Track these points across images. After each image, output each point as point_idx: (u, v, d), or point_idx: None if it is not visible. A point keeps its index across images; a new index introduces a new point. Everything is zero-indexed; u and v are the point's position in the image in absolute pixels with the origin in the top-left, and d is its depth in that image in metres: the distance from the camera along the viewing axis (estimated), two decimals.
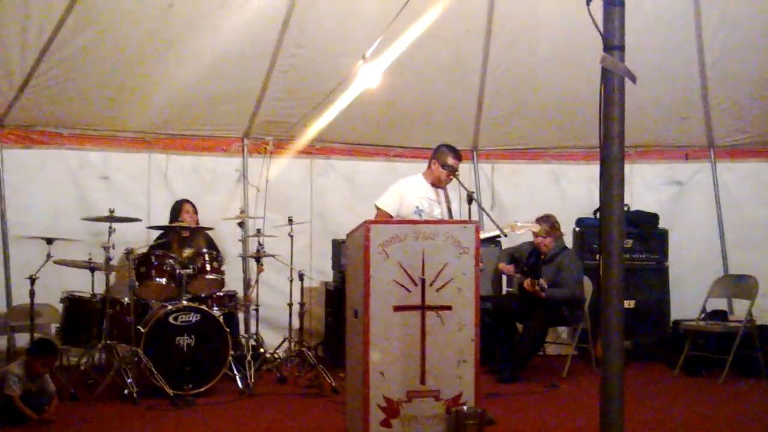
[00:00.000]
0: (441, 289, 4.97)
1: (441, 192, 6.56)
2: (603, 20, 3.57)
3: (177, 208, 7.78)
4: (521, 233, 6.89)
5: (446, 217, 6.38)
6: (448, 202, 6.49)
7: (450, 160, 6.48)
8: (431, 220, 6.20)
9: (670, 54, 7.94)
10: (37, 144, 7.80)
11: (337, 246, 7.93)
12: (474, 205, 6.14)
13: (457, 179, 6.34)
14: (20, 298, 7.14)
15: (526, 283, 7.29)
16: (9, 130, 7.65)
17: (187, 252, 6.97)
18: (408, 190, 6.53)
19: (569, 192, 9.02)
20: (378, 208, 6.49)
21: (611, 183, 3.64)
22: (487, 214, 6.67)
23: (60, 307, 6.95)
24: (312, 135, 8.30)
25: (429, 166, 6.61)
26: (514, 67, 8.20)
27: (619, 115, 3.58)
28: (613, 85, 3.54)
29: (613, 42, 3.52)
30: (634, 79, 3.52)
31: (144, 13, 7.01)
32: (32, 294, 6.54)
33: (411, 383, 4.89)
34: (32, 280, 6.53)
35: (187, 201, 7.84)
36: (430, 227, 5.09)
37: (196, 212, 7.82)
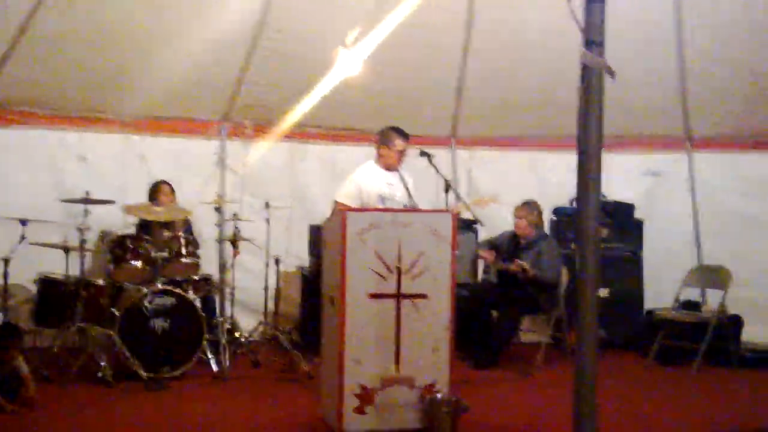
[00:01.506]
0: (417, 277, 5.01)
1: (396, 175, 6.56)
2: (583, 16, 3.56)
3: (154, 189, 7.74)
4: (486, 206, 6.88)
5: (407, 200, 6.38)
6: (404, 183, 6.49)
7: (398, 142, 6.50)
8: (410, 208, 6.21)
9: (649, 44, 7.95)
10: (13, 123, 7.68)
11: (315, 231, 7.91)
12: (451, 193, 6.14)
13: (434, 166, 6.29)
14: None
15: (513, 266, 7.30)
16: None
17: (166, 235, 6.96)
18: (365, 179, 6.53)
19: (547, 180, 9.01)
20: (338, 204, 6.46)
21: (588, 177, 3.67)
22: (464, 203, 6.68)
23: (33, 288, 6.90)
24: (291, 120, 8.26)
25: (378, 152, 6.62)
26: (494, 54, 8.18)
27: (598, 110, 3.59)
28: (592, 81, 3.55)
29: (593, 38, 3.53)
30: (613, 75, 3.53)
31: None
32: (5, 275, 6.50)
33: (385, 371, 4.92)
34: (5, 260, 6.48)
35: (165, 182, 7.80)
36: (407, 215, 5.14)
37: (173, 192, 7.79)
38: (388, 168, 6.57)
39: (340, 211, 5.43)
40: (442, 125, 8.95)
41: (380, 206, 6.33)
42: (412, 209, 6.14)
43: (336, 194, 6.56)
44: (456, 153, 9.16)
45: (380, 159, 6.62)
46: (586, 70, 3.55)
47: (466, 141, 9.19)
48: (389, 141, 6.54)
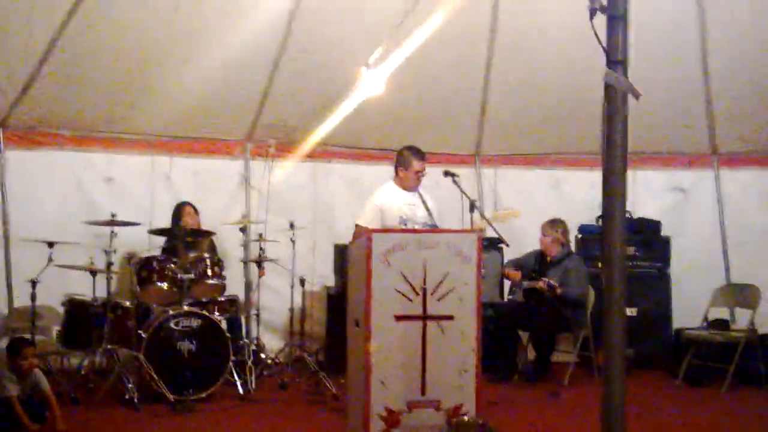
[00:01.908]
0: (443, 298, 4.97)
1: (416, 194, 6.54)
2: (606, 35, 3.52)
3: (178, 211, 7.78)
4: (507, 220, 6.84)
5: (428, 219, 6.35)
6: (424, 202, 6.47)
7: (415, 164, 6.47)
8: (436, 229, 6.19)
9: (674, 60, 7.91)
10: (40, 145, 7.75)
11: (340, 250, 7.91)
12: (476, 212, 6.12)
13: (459, 186, 6.28)
14: (22, 300, 7.13)
15: (540, 284, 7.28)
16: (12, 131, 7.61)
17: (192, 256, 6.98)
18: (386, 201, 6.49)
19: (571, 198, 8.97)
20: (359, 228, 6.42)
21: (613, 196, 3.62)
22: (489, 223, 6.63)
23: (61, 310, 6.93)
24: (315, 139, 8.27)
25: (396, 173, 6.60)
26: (517, 72, 8.17)
27: (622, 129, 3.54)
28: (615, 100, 3.50)
29: (615, 57, 3.49)
30: (637, 96, 3.48)
31: (148, 17, 6.99)
32: (33, 297, 6.53)
33: (411, 393, 4.89)
34: (33, 283, 6.53)
35: (188, 203, 7.84)
36: (432, 236, 5.10)
37: (197, 213, 7.82)
38: (406, 189, 6.54)
39: (362, 235, 5.38)
40: (467, 143, 8.94)
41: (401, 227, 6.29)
42: (436, 230, 6.11)
43: (357, 218, 6.54)
44: (481, 171, 9.13)
45: (398, 180, 6.60)
46: (609, 89, 3.50)
47: (490, 159, 9.16)
48: (406, 163, 6.51)
